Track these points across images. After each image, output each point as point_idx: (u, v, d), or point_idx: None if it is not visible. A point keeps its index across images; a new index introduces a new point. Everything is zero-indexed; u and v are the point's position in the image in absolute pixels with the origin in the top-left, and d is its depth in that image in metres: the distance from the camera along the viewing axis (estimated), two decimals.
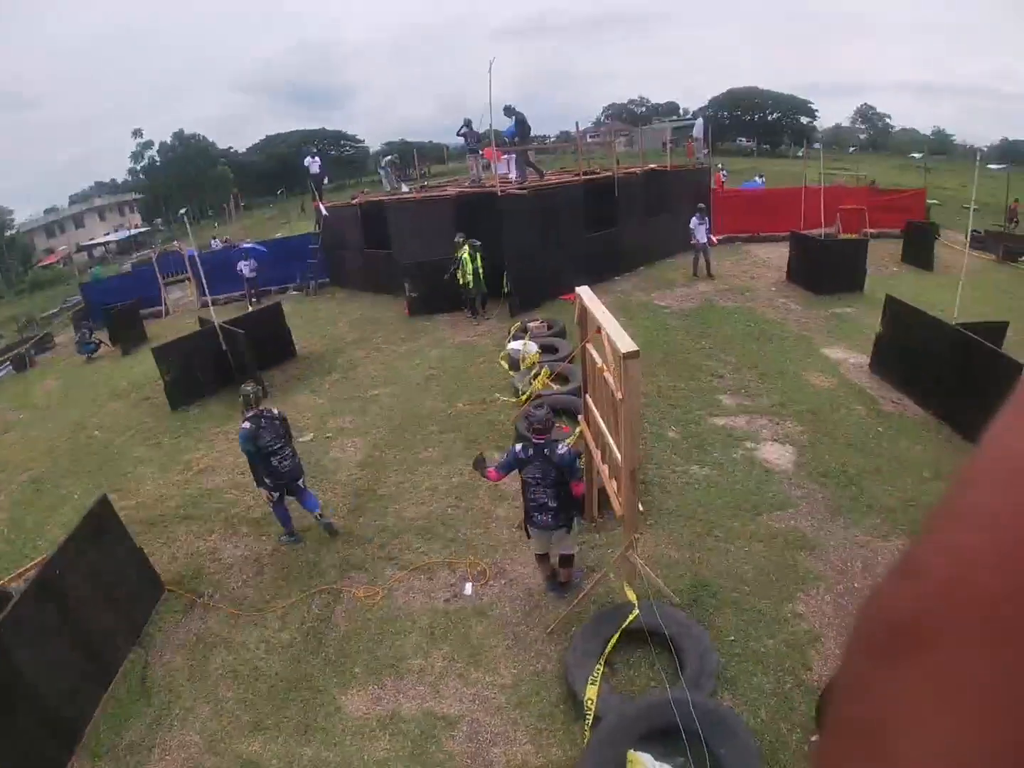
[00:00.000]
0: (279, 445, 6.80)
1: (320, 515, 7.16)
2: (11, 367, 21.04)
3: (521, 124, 15.15)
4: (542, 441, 5.09)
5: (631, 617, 4.71)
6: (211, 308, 12.39)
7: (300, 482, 7.09)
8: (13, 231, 60.05)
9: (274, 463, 6.78)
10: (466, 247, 13.40)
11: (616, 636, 4.69)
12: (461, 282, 13.51)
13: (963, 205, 20.83)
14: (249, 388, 7.14)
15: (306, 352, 13.64)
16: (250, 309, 17.44)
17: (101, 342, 18.02)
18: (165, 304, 21.74)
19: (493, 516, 7.03)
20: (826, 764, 0.33)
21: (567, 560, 5.56)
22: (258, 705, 5.27)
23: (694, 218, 15.24)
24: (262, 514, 7.79)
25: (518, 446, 5.28)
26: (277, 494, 6.97)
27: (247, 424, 6.66)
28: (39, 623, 5.30)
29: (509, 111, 15.11)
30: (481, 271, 13.49)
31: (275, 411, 7.03)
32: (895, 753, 0.28)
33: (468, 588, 6.01)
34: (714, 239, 15.67)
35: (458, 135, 16.81)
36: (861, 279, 14.15)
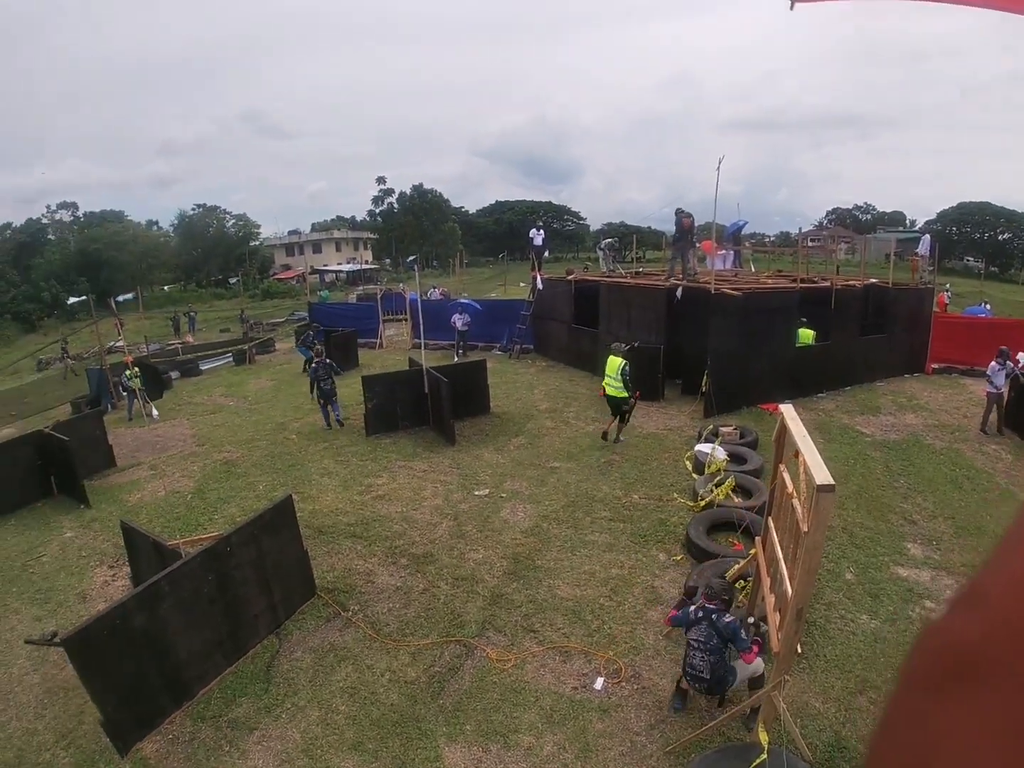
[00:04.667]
0: (326, 377, 13.27)
1: (338, 418, 13.69)
2: (232, 359, 23.84)
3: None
4: (712, 607, 5.21)
5: (757, 760, 4.46)
6: (422, 351, 13.32)
7: (334, 399, 13.52)
8: (258, 243, 69.40)
9: (322, 385, 13.29)
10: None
11: None
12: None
13: None
14: (315, 345, 15.90)
15: (499, 411, 14.19)
16: (456, 360, 18.65)
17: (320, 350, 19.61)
18: (381, 338, 23.67)
19: (644, 617, 6.91)
20: None
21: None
22: (365, 727, 5.50)
23: (994, 363, 13.01)
24: (424, 552, 8.25)
25: (692, 607, 5.41)
26: (323, 401, 13.48)
27: (314, 364, 13.69)
28: (196, 587, 5.96)
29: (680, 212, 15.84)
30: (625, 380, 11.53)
31: (328, 361, 13.77)
32: None
33: (599, 683, 5.92)
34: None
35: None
36: None
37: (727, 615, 5.17)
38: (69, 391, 20.97)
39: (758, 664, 5.28)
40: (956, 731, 0.27)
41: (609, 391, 11.71)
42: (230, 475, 11.25)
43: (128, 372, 15.81)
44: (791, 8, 1.41)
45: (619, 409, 11.76)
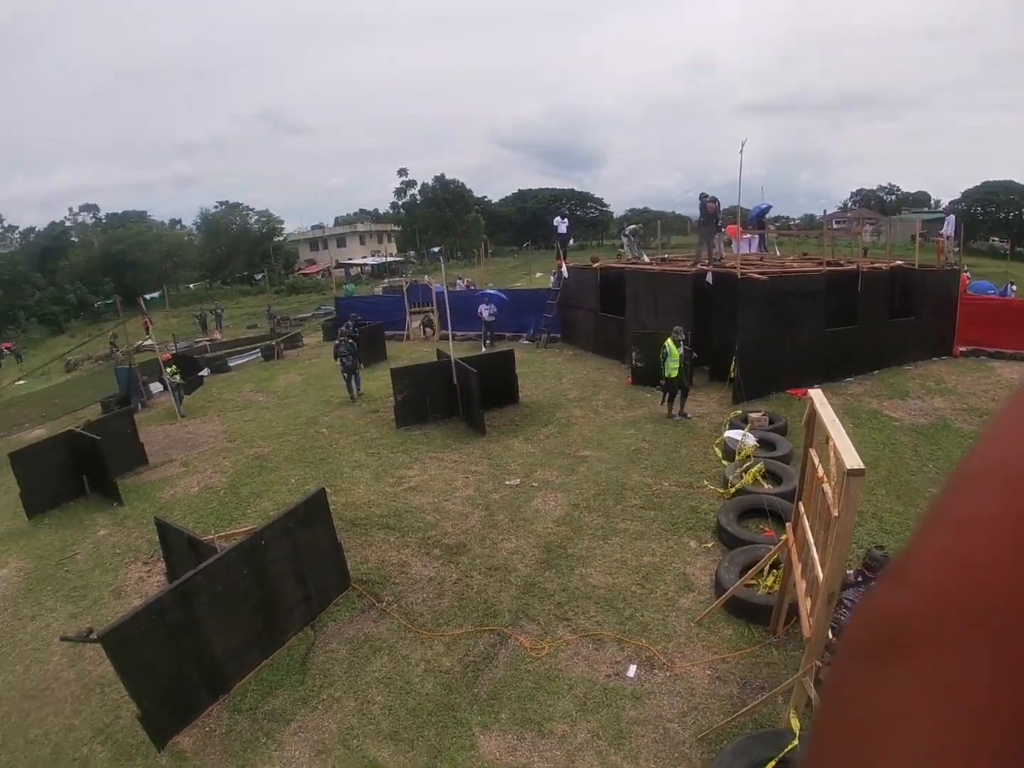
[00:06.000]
0: (348, 354, 15.18)
1: (359, 390, 15.67)
2: (260, 355, 24.07)
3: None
4: (872, 577, 5.39)
5: (789, 747, 4.46)
6: (450, 342, 13.39)
7: (357, 372, 15.50)
8: (282, 239, 69.75)
9: (344, 361, 15.15)
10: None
11: (771, 765, 4.43)
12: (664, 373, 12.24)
13: None
14: (344, 328, 17.20)
15: (528, 401, 14.23)
16: (483, 350, 18.72)
17: (344, 330, 18.48)
18: (408, 330, 23.79)
19: (676, 605, 6.94)
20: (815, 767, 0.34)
21: None
22: (401, 717, 5.60)
23: None
24: (457, 542, 8.33)
25: (851, 571, 5.54)
26: (346, 375, 15.35)
27: (337, 341, 15.69)
28: (231, 581, 6.06)
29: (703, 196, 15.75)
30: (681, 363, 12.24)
31: (351, 340, 15.53)
32: (884, 755, 0.29)
33: (632, 670, 5.98)
34: None
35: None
36: None
37: None
38: (98, 391, 21.33)
39: None
40: (893, 698, 0.29)
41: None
42: (262, 470, 11.41)
43: (169, 370, 16.09)
44: None
45: (680, 386, 12.38)
